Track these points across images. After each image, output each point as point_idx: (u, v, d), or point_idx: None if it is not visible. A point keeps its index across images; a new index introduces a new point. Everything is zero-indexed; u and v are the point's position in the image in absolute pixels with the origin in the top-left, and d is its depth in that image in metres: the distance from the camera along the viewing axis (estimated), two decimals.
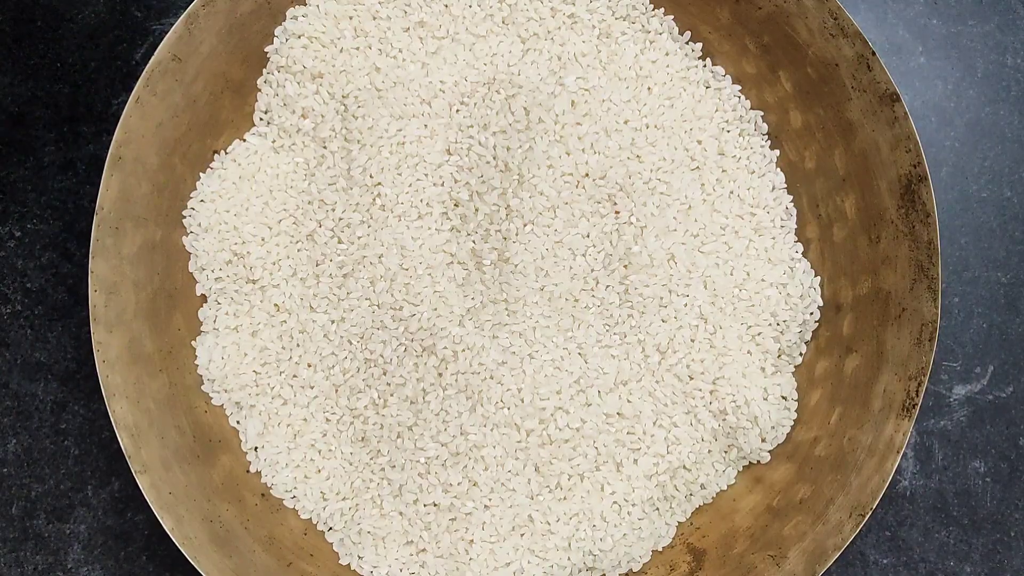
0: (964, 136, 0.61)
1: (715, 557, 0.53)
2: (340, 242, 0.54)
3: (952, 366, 0.60)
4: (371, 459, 0.53)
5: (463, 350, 0.52)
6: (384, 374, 0.53)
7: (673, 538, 0.54)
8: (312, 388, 0.54)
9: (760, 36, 0.56)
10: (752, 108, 0.57)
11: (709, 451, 0.55)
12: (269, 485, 0.53)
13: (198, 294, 0.55)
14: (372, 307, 0.53)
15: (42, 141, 0.60)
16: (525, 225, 0.52)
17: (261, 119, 0.56)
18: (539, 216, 0.52)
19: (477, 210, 0.53)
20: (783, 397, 0.55)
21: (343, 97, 0.55)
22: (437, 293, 0.53)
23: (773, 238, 0.56)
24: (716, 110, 0.57)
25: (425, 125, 0.54)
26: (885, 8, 0.62)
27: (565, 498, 0.53)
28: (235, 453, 0.54)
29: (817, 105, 0.55)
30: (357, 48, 0.55)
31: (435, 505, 0.53)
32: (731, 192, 0.56)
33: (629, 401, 0.53)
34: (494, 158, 0.53)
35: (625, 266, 0.53)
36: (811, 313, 0.55)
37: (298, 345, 0.54)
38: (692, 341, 0.54)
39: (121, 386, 0.50)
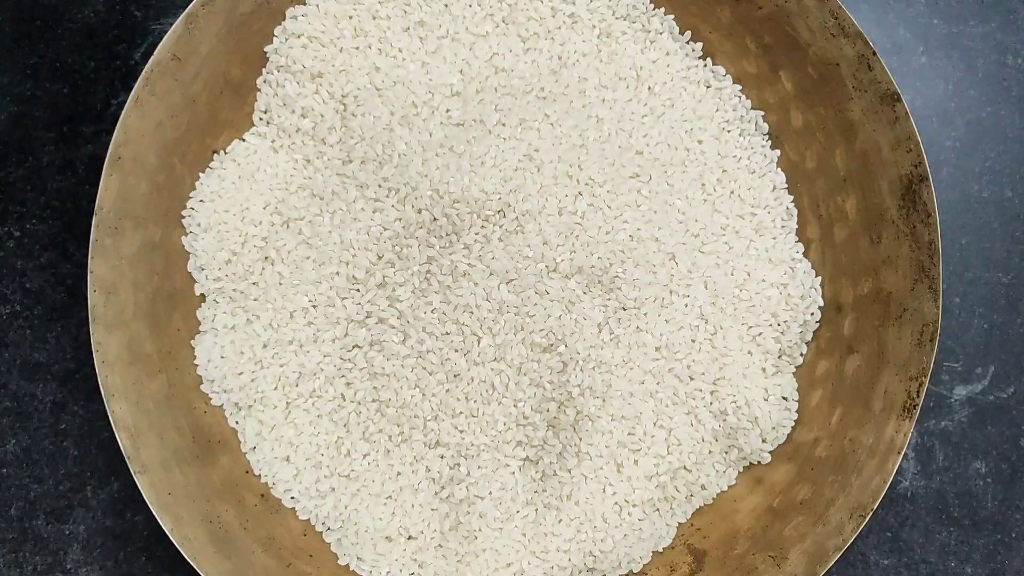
0: (965, 136, 0.61)
1: (715, 558, 0.53)
2: (341, 243, 0.54)
3: (953, 367, 0.59)
4: (370, 463, 0.53)
5: (466, 352, 0.52)
6: (388, 378, 0.53)
7: (673, 539, 0.54)
8: (313, 388, 0.54)
9: (761, 36, 0.56)
10: (753, 108, 0.57)
11: (710, 452, 0.55)
12: (269, 485, 0.53)
13: (197, 294, 0.55)
14: (376, 309, 0.53)
15: (41, 141, 0.60)
16: (521, 227, 0.52)
17: (260, 119, 0.56)
18: (538, 214, 0.52)
19: (477, 215, 0.53)
20: (784, 398, 0.55)
21: (343, 97, 0.55)
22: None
23: (774, 238, 0.56)
24: (717, 110, 0.57)
25: (424, 120, 0.54)
26: (886, 8, 0.62)
27: (569, 496, 0.53)
28: (234, 454, 0.53)
29: (818, 105, 0.55)
30: (357, 48, 0.55)
31: (434, 509, 0.53)
32: (732, 192, 0.56)
33: (629, 403, 0.52)
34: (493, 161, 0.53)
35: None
36: (812, 313, 0.55)
37: (300, 345, 0.53)
38: (693, 342, 0.54)
39: (120, 386, 0.50)
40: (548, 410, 0.52)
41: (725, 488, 0.55)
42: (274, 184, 0.55)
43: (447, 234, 0.52)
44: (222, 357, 0.54)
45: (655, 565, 0.54)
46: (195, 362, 0.54)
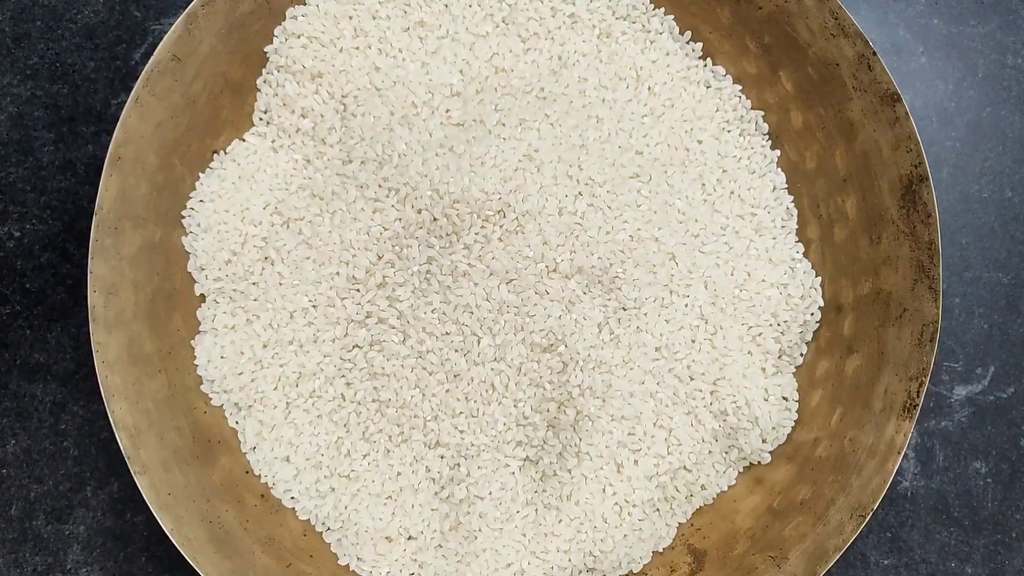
0: (965, 136, 0.61)
1: (715, 558, 0.53)
2: (341, 243, 0.54)
3: (953, 367, 0.59)
4: (370, 463, 0.53)
5: (466, 352, 0.52)
6: (388, 378, 0.53)
7: (674, 539, 0.54)
8: (313, 388, 0.54)
9: (761, 36, 0.56)
10: (753, 108, 0.57)
11: (710, 452, 0.55)
12: (269, 485, 0.53)
13: (197, 294, 0.55)
14: (375, 308, 0.53)
15: (41, 141, 0.60)
16: (521, 227, 0.52)
17: (260, 119, 0.56)
18: (538, 215, 0.52)
19: (477, 215, 0.53)
20: (784, 398, 0.55)
21: (343, 97, 0.55)
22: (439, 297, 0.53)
23: (774, 238, 0.56)
24: (717, 110, 0.57)
25: (424, 120, 0.54)
26: (886, 8, 0.62)
27: (569, 496, 0.53)
28: (234, 454, 0.54)
29: (818, 105, 0.55)
30: (357, 48, 0.55)
31: (434, 509, 0.53)
32: (732, 192, 0.56)
33: (629, 403, 0.52)
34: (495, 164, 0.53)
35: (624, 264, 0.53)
36: (812, 314, 0.55)
37: (300, 345, 0.54)
38: (693, 342, 0.54)
39: (120, 387, 0.50)
40: (548, 410, 0.52)
41: (725, 488, 0.55)
42: (274, 184, 0.55)
43: (447, 234, 0.52)
44: (222, 357, 0.54)
45: (655, 565, 0.54)
46: (195, 362, 0.54)
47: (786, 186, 0.57)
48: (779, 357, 0.56)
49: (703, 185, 0.56)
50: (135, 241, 0.52)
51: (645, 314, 0.53)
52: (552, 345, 0.52)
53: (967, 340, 0.60)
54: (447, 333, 0.52)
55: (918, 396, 0.50)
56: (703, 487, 0.54)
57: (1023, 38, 0.62)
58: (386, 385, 0.53)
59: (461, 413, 0.52)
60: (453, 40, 0.55)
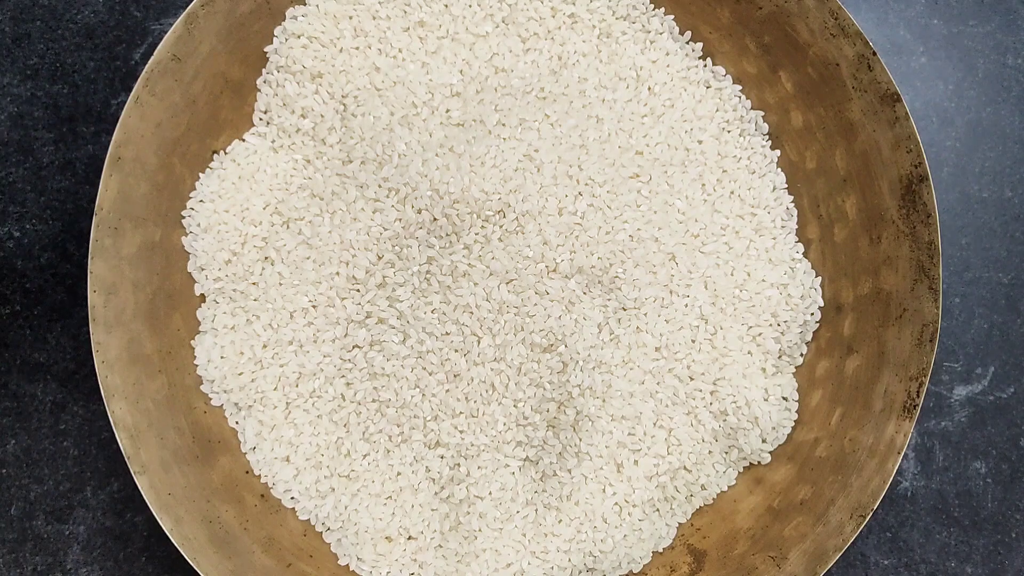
0: (965, 136, 0.61)
1: (715, 558, 0.53)
2: (341, 243, 0.54)
3: (953, 367, 0.59)
4: (370, 463, 0.53)
5: (466, 353, 0.52)
6: (388, 378, 0.53)
7: (673, 539, 0.54)
8: (313, 388, 0.54)
9: (761, 36, 0.56)
10: (753, 108, 0.57)
11: (710, 452, 0.55)
12: (269, 485, 0.53)
13: (197, 294, 0.55)
14: (375, 308, 0.53)
15: (41, 141, 0.60)
16: (521, 228, 0.52)
17: (260, 119, 0.56)
18: (538, 215, 0.52)
19: (477, 215, 0.53)
20: (784, 398, 0.55)
21: (343, 97, 0.55)
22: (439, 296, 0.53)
23: (774, 238, 0.56)
24: (717, 110, 0.57)
25: (424, 120, 0.54)
26: (886, 8, 0.62)
27: (569, 496, 0.53)
28: (234, 454, 0.54)
29: (818, 105, 0.55)
30: (357, 48, 0.55)
31: (434, 509, 0.53)
32: (732, 192, 0.56)
33: (629, 403, 0.52)
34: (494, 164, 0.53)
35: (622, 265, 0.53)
36: (812, 314, 0.55)
37: (300, 345, 0.54)
38: (693, 342, 0.54)
39: (120, 387, 0.50)
40: (548, 410, 0.52)
41: (725, 488, 0.55)
42: (274, 184, 0.55)
43: (447, 234, 0.52)
44: (222, 357, 0.54)
45: (655, 565, 0.54)
46: (195, 362, 0.54)
47: (786, 186, 0.57)
48: (779, 357, 0.56)
49: (703, 185, 0.56)
50: (135, 241, 0.52)
51: (645, 314, 0.53)
52: (552, 345, 0.52)
53: (967, 340, 0.60)
54: (447, 333, 0.52)
55: (918, 396, 0.50)
56: (703, 487, 0.54)
57: (1023, 38, 0.62)
58: (386, 385, 0.53)
59: (461, 413, 0.52)
60: (453, 40, 0.55)
